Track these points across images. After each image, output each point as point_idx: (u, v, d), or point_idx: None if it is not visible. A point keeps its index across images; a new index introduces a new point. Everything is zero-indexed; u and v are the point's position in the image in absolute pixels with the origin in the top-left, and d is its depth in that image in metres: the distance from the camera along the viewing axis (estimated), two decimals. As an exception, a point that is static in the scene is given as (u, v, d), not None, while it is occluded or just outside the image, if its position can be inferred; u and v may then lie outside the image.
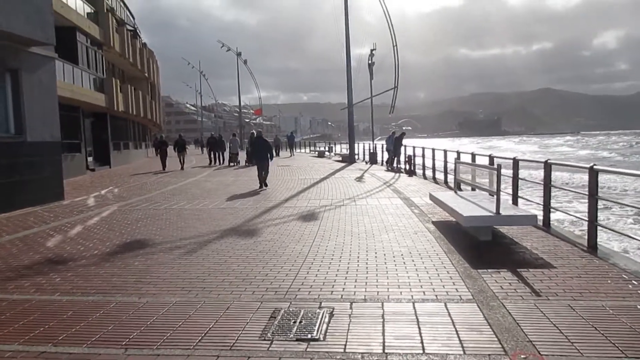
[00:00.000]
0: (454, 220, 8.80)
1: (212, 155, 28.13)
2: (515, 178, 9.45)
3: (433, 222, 8.92)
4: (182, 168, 24.08)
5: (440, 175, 16.98)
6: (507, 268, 5.75)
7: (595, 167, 6.51)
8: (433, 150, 17.49)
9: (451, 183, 15.55)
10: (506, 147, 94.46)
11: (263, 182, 15.24)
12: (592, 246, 6.54)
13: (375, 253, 6.68)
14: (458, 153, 14.58)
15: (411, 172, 19.61)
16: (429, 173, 18.02)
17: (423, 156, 18.72)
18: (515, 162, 9.59)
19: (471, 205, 7.61)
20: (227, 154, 27.88)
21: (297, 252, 6.85)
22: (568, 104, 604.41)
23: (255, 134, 29.80)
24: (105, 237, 8.25)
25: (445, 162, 16.01)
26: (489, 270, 5.68)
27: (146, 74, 36.43)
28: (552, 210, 8.18)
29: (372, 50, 29.13)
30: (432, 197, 9.64)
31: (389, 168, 22.35)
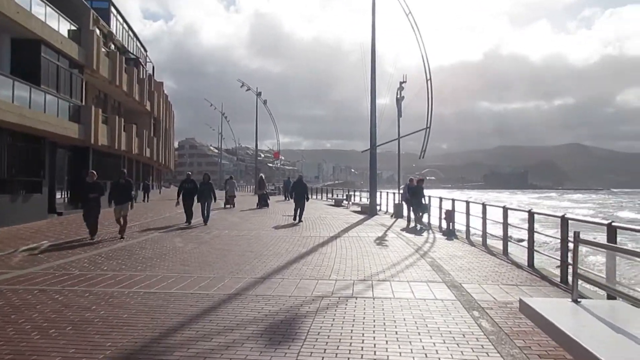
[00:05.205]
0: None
1: (187, 209, 16.87)
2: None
3: (534, 368, 4.20)
4: (121, 236, 13.25)
5: (494, 241, 12.24)
6: None
7: None
8: (484, 205, 12.73)
9: (515, 255, 10.74)
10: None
11: (299, 217, 18.20)
12: None
13: None
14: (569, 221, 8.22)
15: (449, 234, 14.85)
16: (470, 233, 13.25)
17: (467, 213, 13.99)
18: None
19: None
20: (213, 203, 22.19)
21: None
22: (596, 161, 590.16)
23: (263, 176, 28.18)
24: None
25: (505, 224, 11.17)
26: None
27: (147, 107, 32.83)
28: None
29: (401, 83, 24.98)
30: (526, 309, 4.91)
31: (408, 226, 17.14)
